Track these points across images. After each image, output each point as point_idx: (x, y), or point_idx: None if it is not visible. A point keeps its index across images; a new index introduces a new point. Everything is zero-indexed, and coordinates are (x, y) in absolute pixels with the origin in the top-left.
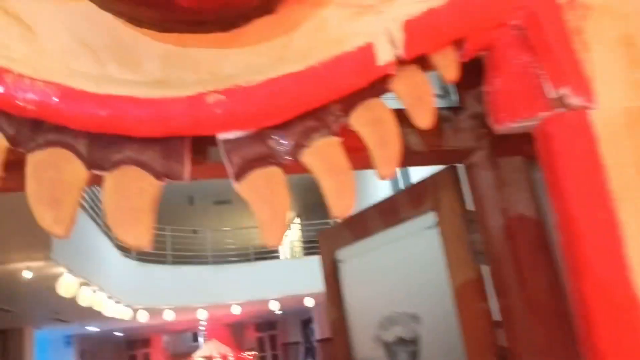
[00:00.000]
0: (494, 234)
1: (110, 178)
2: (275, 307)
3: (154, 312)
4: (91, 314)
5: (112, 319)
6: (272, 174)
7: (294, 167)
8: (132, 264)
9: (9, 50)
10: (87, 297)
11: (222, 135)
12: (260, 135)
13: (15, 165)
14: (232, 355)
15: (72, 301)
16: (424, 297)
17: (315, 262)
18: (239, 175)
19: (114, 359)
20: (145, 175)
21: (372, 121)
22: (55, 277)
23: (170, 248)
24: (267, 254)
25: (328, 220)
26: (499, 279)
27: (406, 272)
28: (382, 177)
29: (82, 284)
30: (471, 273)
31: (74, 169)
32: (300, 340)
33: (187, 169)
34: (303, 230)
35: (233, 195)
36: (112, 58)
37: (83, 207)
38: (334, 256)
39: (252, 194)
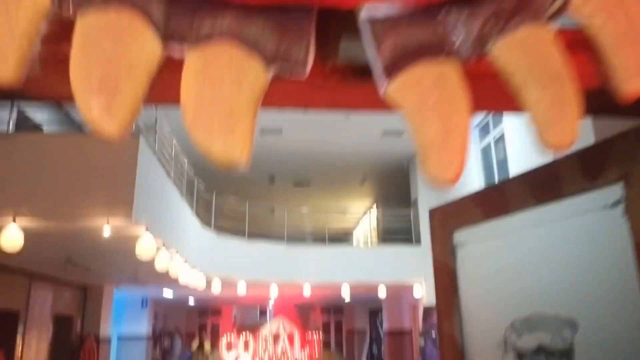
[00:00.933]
0: None
1: (196, 56)
2: (346, 292)
3: (227, 283)
4: (167, 279)
5: (187, 286)
6: (444, 71)
7: (477, 70)
8: (210, 234)
9: None
10: (165, 261)
11: (368, 10)
12: (429, 13)
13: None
14: (298, 334)
15: (150, 264)
16: (588, 298)
17: (390, 253)
18: (392, 70)
19: (185, 324)
20: (248, 56)
21: (613, 4)
22: (134, 238)
23: (248, 223)
24: (342, 237)
25: (408, 209)
26: None
27: (563, 264)
28: (627, 94)
29: (161, 247)
30: None
31: (143, 40)
32: (367, 329)
33: (310, 56)
34: (379, 219)
35: (312, 177)
36: None
37: (167, 172)
38: (451, 238)
39: (412, 98)
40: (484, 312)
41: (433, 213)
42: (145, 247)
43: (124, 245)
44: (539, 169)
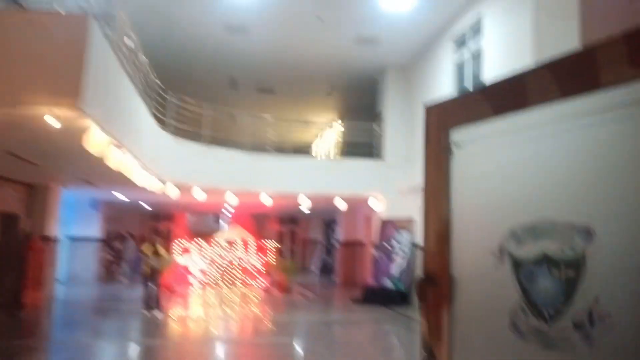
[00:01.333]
0: None
1: None
2: (304, 202)
3: (183, 188)
4: (119, 180)
5: (140, 189)
6: None
7: None
8: (167, 136)
9: None
10: (116, 159)
11: None
12: None
13: None
14: (253, 242)
15: (100, 162)
16: (611, 205)
17: (351, 166)
18: None
19: (137, 228)
20: None
21: None
22: (83, 131)
23: (207, 128)
24: (304, 149)
25: (372, 123)
26: None
27: (585, 165)
28: None
29: (112, 143)
30: None
31: None
32: (321, 239)
33: None
34: (343, 132)
35: (277, 84)
36: None
37: (121, 63)
38: (446, 137)
39: None
40: (478, 217)
41: (429, 110)
42: (95, 141)
43: (72, 140)
44: (571, 57)
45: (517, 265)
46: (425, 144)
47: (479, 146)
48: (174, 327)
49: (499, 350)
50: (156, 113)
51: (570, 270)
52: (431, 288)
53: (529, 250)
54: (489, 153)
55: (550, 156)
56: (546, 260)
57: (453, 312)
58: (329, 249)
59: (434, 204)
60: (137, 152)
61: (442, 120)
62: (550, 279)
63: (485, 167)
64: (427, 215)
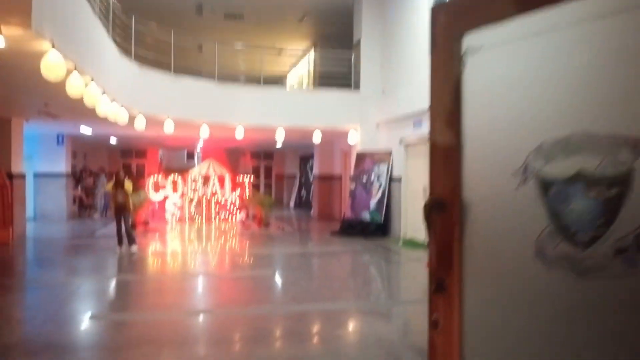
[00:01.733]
0: None
1: None
2: (280, 136)
3: (153, 121)
4: (83, 111)
5: (105, 121)
6: None
7: None
8: (131, 65)
9: None
10: (78, 87)
11: None
12: None
13: None
14: (228, 176)
15: (61, 90)
16: None
17: (327, 97)
18: None
19: (107, 164)
20: None
21: None
22: (39, 55)
23: (173, 56)
24: (277, 80)
25: (349, 52)
26: None
27: (631, 68)
28: None
29: (72, 70)
30: None
31: None
32: (296, 174)
33: None
34: (317, 62)
35: (246, 9)
36: None
37: None
38: (458, 43)
39: None
40: (497, 134)
41: (436, 11)
42: (52, 65)
43: (28, 65)
44: None
45: (546, 185)
46: (432, 51)
47: (498, 51)
48: (150, 262)
49: (519, 280)
50: (118, 39)
51: (612, 189)
52: (439, 213)
53: (559, 168)
54: (511, 59)
55: (589, 59)
56: (582, 179)
57: (465, 239)
58: (304, 183)
59: (442, 121)
60: (100, 81)
61: (453, 23)
62: (586, 199)
63: (506, 76)
64: (434, 133)
